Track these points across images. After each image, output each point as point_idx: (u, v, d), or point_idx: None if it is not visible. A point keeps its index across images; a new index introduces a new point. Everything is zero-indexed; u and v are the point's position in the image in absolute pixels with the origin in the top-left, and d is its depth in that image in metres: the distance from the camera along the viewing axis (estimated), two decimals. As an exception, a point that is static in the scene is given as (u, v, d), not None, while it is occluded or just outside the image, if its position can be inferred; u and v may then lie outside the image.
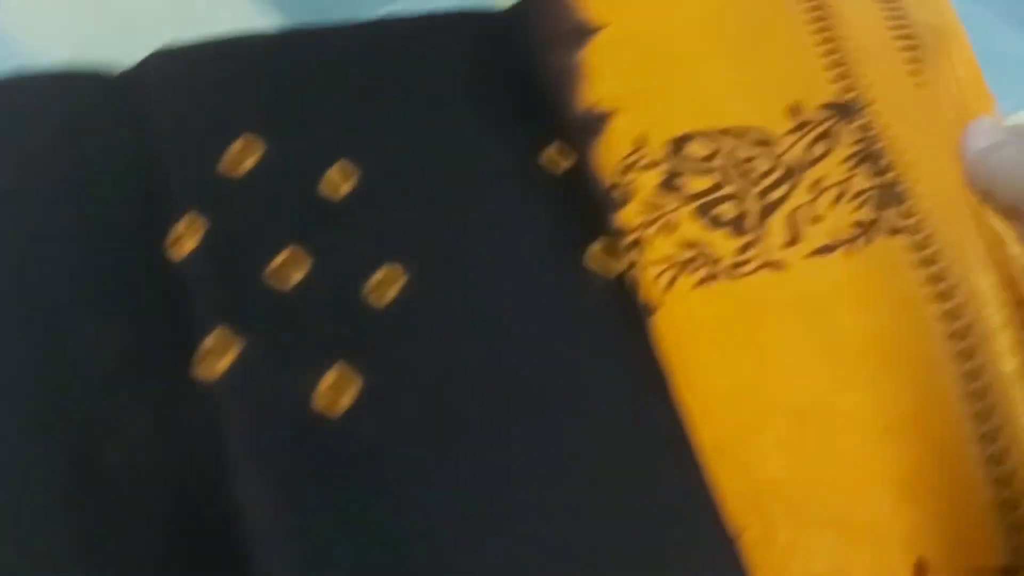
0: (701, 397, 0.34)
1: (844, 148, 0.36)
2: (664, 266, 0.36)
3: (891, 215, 0.34)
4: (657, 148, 0.37)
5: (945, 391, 0.31)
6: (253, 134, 0.37)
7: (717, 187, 0.36)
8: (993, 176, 0.30)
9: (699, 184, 0.36)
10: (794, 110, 0.37)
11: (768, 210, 0.36)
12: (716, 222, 0.36)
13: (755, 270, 0.34)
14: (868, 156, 0.35)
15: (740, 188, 0.36)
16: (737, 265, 0.35)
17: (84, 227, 0.35)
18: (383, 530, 0.31)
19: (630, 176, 0.37)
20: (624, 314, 0.37)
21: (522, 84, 0.42)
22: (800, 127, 0.37)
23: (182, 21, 0.41)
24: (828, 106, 0.37)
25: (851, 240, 0.34)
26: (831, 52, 0.38)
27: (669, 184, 0.37)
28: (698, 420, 0.34)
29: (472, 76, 0.41)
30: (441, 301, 0.36)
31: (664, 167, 0.37)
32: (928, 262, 0.33)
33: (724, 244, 0.35)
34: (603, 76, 0.39)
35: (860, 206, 0.35)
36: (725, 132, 0.37)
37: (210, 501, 0.31)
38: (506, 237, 0.38)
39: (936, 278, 0.33)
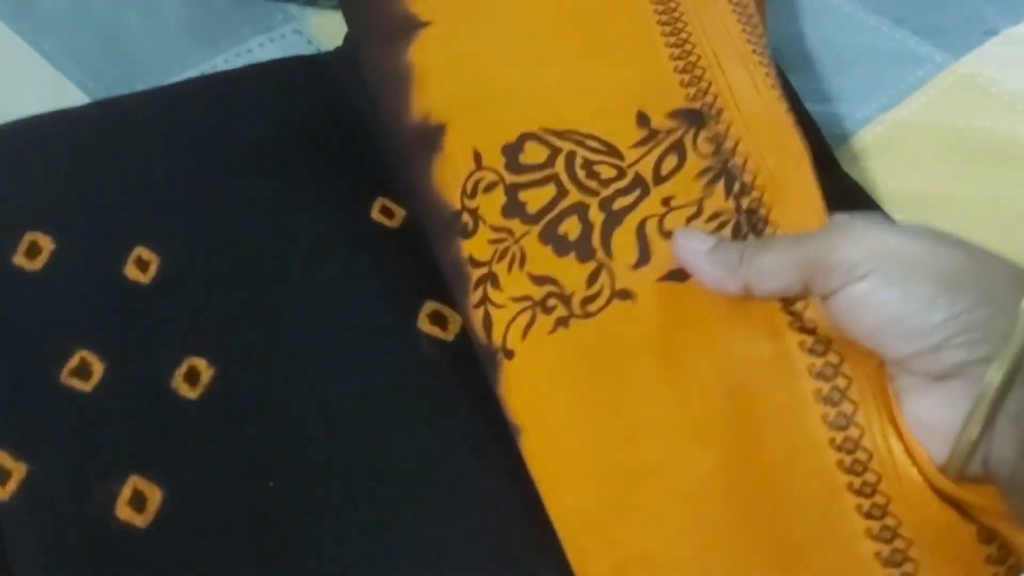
0: (556, 463, 0.31)
1: (696, 163, 0.33)
2: (520, 307, 0.32)
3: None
4: (493, 161, 0.34)
5: (811, 436, 0.28)
6: (40, 231, 0.35)
7: (558, 198, 0.33)
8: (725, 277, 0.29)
9: (539, 198, 0.33)
10: (642, 118, 0.34)
11: (614, 220, 0.32)
12: (562, 245, 0.32)
13: (606, 303, 0.31)
14: (724, 174, 0.32)
15: (582, 197, 0.33)
16: (587, 300, 0.31)
17: None
18: None
19: (476, 200, 0.34)
20: (463, 379, 0.35)
21: (347, 132, 0.40)
22: (648, 138, 0.34)
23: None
24: (678, 113, 0.34)
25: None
26: (683, 56, 0.35)
27: (512, 204, 0.33)
28: (552, 492, 0.31)
29: (289, 132, 0.39)
30: (254, 391, 0.34)
31: (504, 185, 0.34)
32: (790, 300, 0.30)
33: (573, 275, 0.32)
34: (432, 81, 0.37)
35: (717, 229, 0.32)
36: (563, 135, 0.34)
37: None
38: (330, 310, 0.36)
39: (798, 313, 0.29)
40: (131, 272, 0.35)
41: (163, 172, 0.38)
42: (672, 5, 0.37)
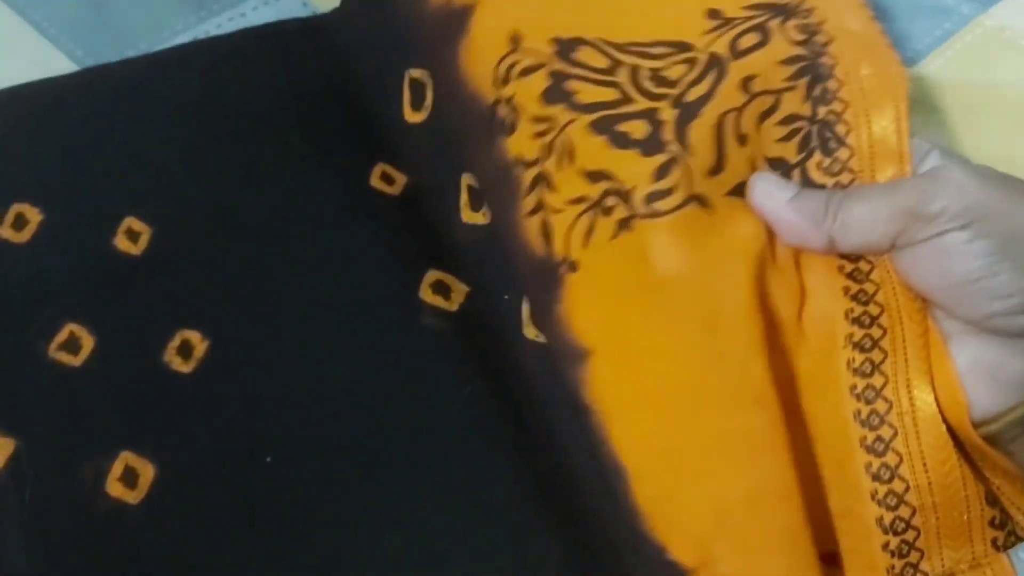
0: (637, 388, 0.28)
1: (782, 46, 0.29)
2: (577, 210, 0.28)
3: (814, 165, 0.28)
4: (538, 44, 0.30)
5: (836, 384, 0.26)
6: (27, 203, 0.34)
7: (620, 103, 0.29)
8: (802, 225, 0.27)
9: (594, 94, 0.29)
10: (713, 13, 0.30)
11: (690, 113, 0.28)
12: (620, 140, 0.28)
13: (681, 204, 0.27)
14: (812, 69, 0.28)
15: (650, 103, 0.29)
16: (655, 196, 0.27)
17: None
18: None
19: (511, 87, 0.30)
20: (467, 351, 0.34)
21: (345, 97, 0.39)
22: (723, 25, 0.30)
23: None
24: (759, 6, 0.30)
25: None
26: None
27: (555, 90, 0.29)
28: (629, 421, 0.28)
29: (284, 97, 0.38)
30: (249, 365, 0.33)
31: (547, 69, 0.29)
32: None
33: (633, 168, 0.27)
34: None
35: (786, 137, 0.28)
36: (625, 47, 0.30)
37: None
38: (331, 278, 0.35)
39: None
40: (121, 243, 0.34)
41: (154, 141, 0.37)
42: None
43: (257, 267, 0.35)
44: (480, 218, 0.35)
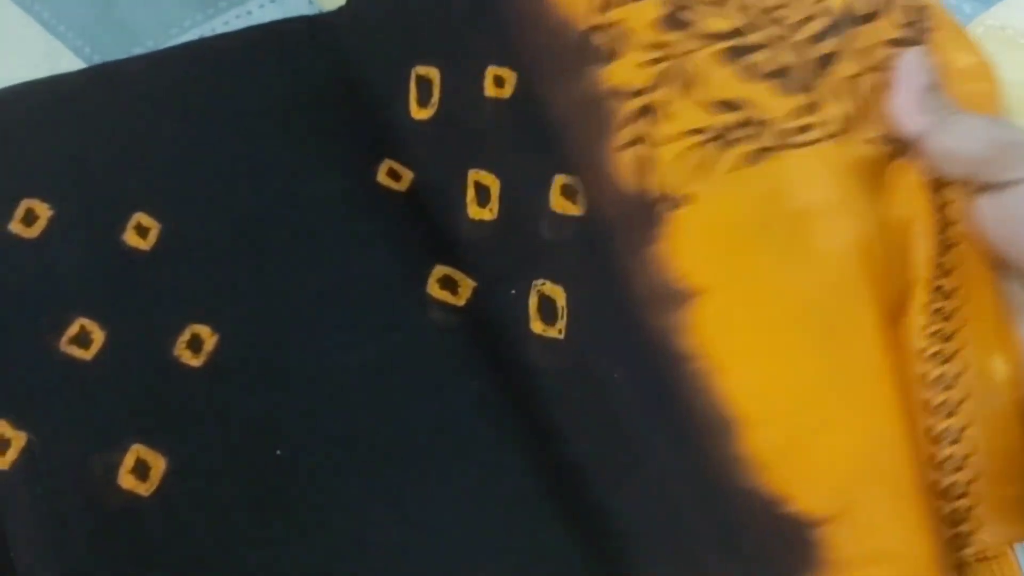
0: (758, 329, 0.27)
1: (891, 24, 0.28)
2: (691, 141, 0.27)
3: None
4: None
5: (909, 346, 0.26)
6: (37, 198, 0.35)
7: (740, 32, 0.28)
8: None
9: (718, 22, 0.28)
10: None
11: (822, 63, 0.27)
12: (754, 72, 0.27)
13: (822, 139, 0.27)
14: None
15: (772, 36, 0.28)
16: (796, 130, 0.27)
17: None
18: None
19: (613, 12, 0.29)
20: (475, 346, 0.34)
21: (351, 94, 0.39)
22: None
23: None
24: None
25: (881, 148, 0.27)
26: None
27: (674, 18, 0.28)
28: (746, 364, 0.27)
29: (291, 95, 0.39)
30: (259, 358, 0.33)
31: None
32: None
33: (771, 102, 0.27)
34: None
35: None
36: None
37: None
38: (338, 273, 0.35)
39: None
40: (131, 238, 0.35)
41: (162, 137, 0.37)
42: None
43: (266, 262, 0.35)
44: (487, 214, 0.35)
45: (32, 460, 0.31)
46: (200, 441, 0.32)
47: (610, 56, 0.28)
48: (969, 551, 0.25)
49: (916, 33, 0.28)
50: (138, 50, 0.40)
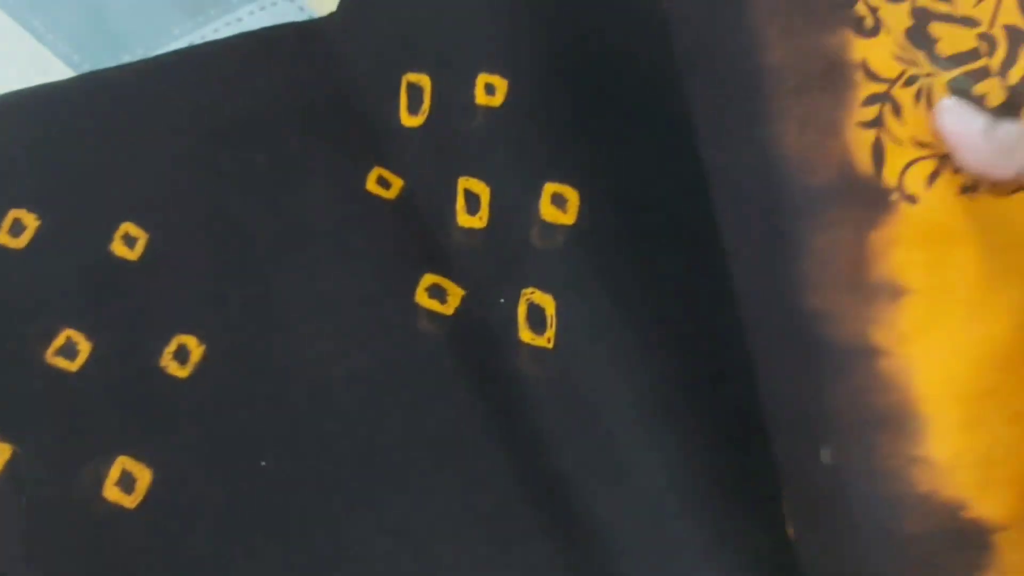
0: (959, 332, 0.27)
1: None
2: (923, 152, 0.27)
3: None
4: None
5: None
6: (24, 208, 0.35)
7: (980, 53, 0.27)
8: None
9: (955, 44, 0.27)
10: None
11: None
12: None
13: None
14: None
15: (1004, 60, 0.27)
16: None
17: None
18: None
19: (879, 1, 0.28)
20: (462, 355, 0.35)
21: (341, 102, 0.40)
22: None
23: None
24: None
25: None
26: None
27: (918, 34, 0.28)
28: (947, 361, 0.27)
29: (280, 102, 0.39)
30: (246, 369, 0.34)
31: (911, 3, 0.27)
32: None
33: None
34: None
35: None
36: None
37: None
38: (326, 282, 0.36)
39: None
40: (118, 248, 0.35)
41: (150, 146, 0.38)
42: None
43: (253, 272, 0.36)
44: (477, 222, 0.36)
45: (17, 472, 0.31)
46: (186, 452, 0.32)
47: (871, 32, 0.27)
48: None
49: None
50: (128, 58, 0.41)
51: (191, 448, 0.32)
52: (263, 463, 0.32)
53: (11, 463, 0.31)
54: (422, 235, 0.37)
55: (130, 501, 0.31)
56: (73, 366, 0.33)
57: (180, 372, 0.33)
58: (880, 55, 0.27)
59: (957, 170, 0.27)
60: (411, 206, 0.37)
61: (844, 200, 0.27)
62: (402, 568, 0.31)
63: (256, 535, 0.31)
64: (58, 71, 0.40)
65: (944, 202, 0.27)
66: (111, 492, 0.31)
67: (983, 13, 0.27)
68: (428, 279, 0.36)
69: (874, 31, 0.28)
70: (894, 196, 0.27)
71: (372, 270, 0.36)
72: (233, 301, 0.35)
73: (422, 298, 0.36)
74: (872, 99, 0.27)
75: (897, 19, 0.28)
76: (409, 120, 0.38)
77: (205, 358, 0.34)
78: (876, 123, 0.27)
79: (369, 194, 0.38)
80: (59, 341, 0.33)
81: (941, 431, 0.26)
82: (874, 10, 0.28)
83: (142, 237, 0.36)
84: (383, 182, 0.38)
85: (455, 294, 0.36)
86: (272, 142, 0.38)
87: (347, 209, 0.37)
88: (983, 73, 0.27)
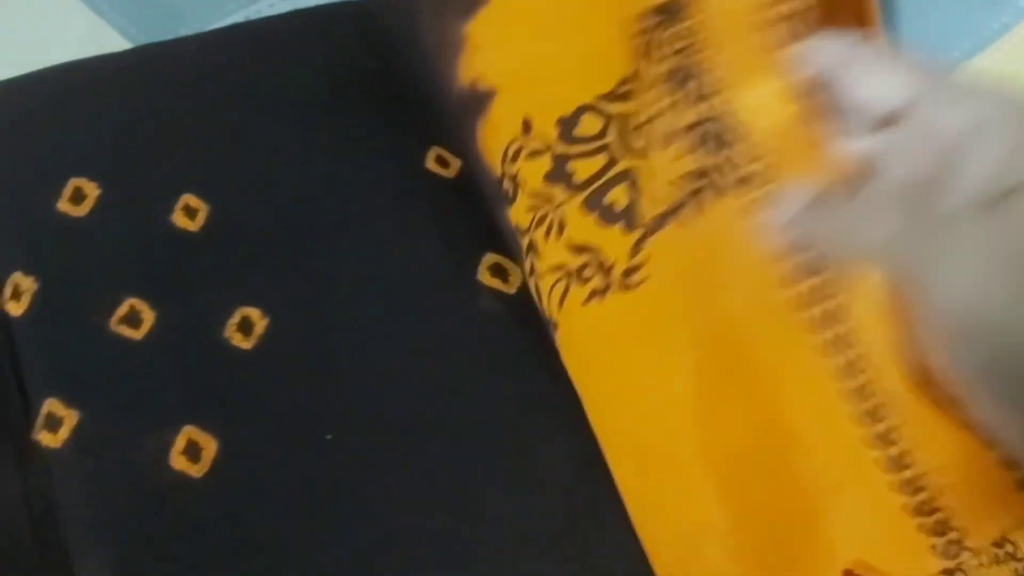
0: (609, 431, 0.32)
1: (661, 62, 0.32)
2: (556, 276, 0.33)
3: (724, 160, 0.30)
4: (545, 130, 0.35)
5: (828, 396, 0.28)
6: (85, 177, 0.36)
7: (608, 166, 0.33)
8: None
9: (589, 168, 0.33)
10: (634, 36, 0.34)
11: (658, 142, 0.32)
12: (608, 214, 0.33)
13: (647, 278, 0.31)
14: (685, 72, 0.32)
15: (633, 162, 0.32)
16: (629, 272, 0.32)
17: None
18: None
19: (516, 165, 0.35)
20: (525, 334, 0.35)
21: (397, 79, 0.40)
22: (644, 48, 0.33)
23: (17, 49, 0.40)
24: (650, 11, 0.33)
25: (677, 207, 0.31)
26: None
27: (558, 172, 0.34)
28: (611, 458, 0.32)
29: (337, 79, 0.40)
30: (310, 342, 0.34)
31: (551, 153, 0.34)
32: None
33: (617, 244, 0.32)
34: (483, 49, 0.37)
35: (689, 150, 0.31)
36: (607, 97, 0.34)
37: None
38: (388, 259, 0.36)
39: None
40: (179, 219, 0.36)
41: (209, 120, 0.38)
42: None
43: (315, 246, 0.36)
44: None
45: (83, 438, 0.32)
46: (251, 424, 0.33)
47: (511, 199, 0.35)
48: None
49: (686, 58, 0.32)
50: (183, 31, 0.41)
51: (256, 420, 0.33)
52: (328, 436, 0.33)
53: (77, 429, 0.32)
54: (483, 214, 0.37)
55: (196, 470, 0.32)
56: (138, 335, 0.34)
57: (244, 344, 0.34)
58: (519, 213, 0.34)
59: (584, 281, 0.32)
60: (471, 185, 0.38)
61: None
62: (463, 547, 0.32)
63: (320, 509, 0.32)
64: (115, 44, 0.41)
65: (573, 318, 0.32)
66: (178, 461, 0.32)
67: (612, 136, 0.33)
68: (490, 258, 0.36)
69: (514, 198, 0.34)
70: (551, 327, 0.34)
71: (434, 248, 0.37)
72: (295, 275, 0.35)
73: (485, 276, 0.36)
74: (527, 251, 0.34)
75: (535, 170, 0.34)
76: None
77: (268, 331, 0.34)
78: (531, 271, 0.34)
79: (429, 172, 0.38)
80: (123, 310, 0.34)
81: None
82: (513, 177, 0.34)
83: (203, 209, 0.36)
84: (442, 161, 0.39)
85: (516, 275, 0.36)
86: (330, 118, 0.39)
87: (407, 186, 0.38)
88: (618, 180, 0.33)
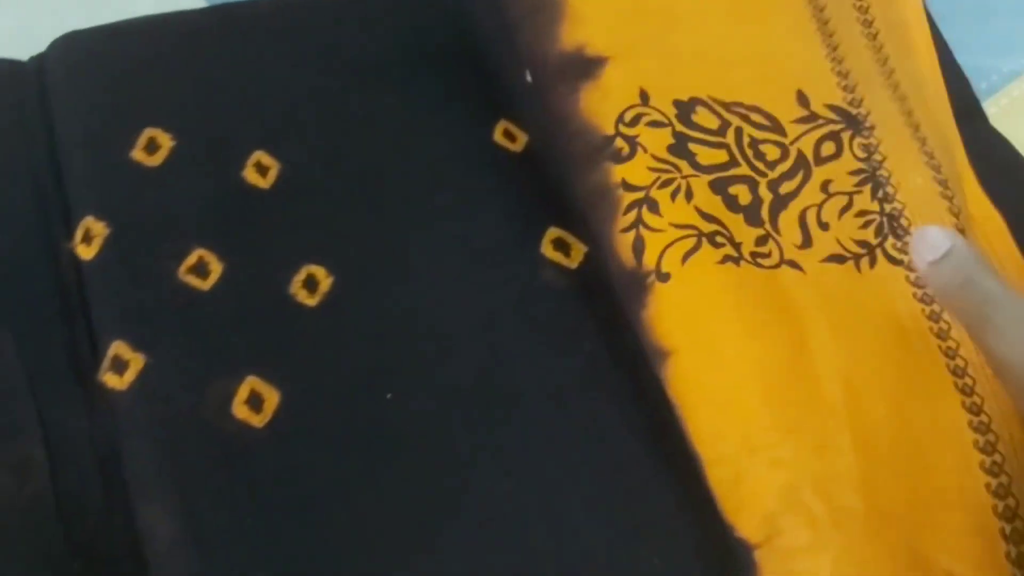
0: (716, 386, 0.32)
1: (850, 160, 0.37)
2: (682, 234, 0.34)
3: (890, 246, 0.35)
4: (663, 107, 0.36)
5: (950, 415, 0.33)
6: (160, 128, 0.37)
7: (730, 164, 0.36)
8: (943, 290, 0.32)
9: (711, 156, 0.36)
10: (802, 98, 0.38)
11: (780, 204, 0.36)
12: (733, 204, 0.35)
13: (777, 264, 0.34)
14: (872, 179, 0.36)
15: (752, 173, 0.36)
16: (757, 255, 0.34)
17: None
18: (299, 554, 0.30)
19: (636, 130, 0.36)
20: (588, 308, 0.35)
21: (467, 51, 0.41)
22: (809, 119, 0.37)
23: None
24: (835, 109, 0.38)
25: (856, 257, 0.35)
26: (837, 60, 0.39)
27: (680, 148, 0.36)
28: (705, 414, 0.32)
29: (408, 48, 0.40)
30: (373, 304, 0.35)
31: (672, 129, 0.36)
32: (927, 299, 0.34)
33: (743, 231, 0.35)
34: (590, 18, 0.38)
35: (864, 226, 0.36)
36: (729, 107, 0.37)
37: (107, 526, 0.30)
38: (452, 227, 0.37)
39: (934, 315, 0.34)
40: (250, 175, 0.37)
41: (282, 81, 0.39)
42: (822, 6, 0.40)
43: (382, 210, 0.37)
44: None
45: (148, 382, 0.32)
46: (313, 379, 0.33)
47: (626, 159, 0.35)
48: None
49: (871, 166, 0.37)
50: (256, -5, 0.42)
51: (319, 375, 0.33)
52: (388, 396, 0.33)
53: (143, 373, 0.32)
54: (547, 189, 0.38)
55: (258, 420, 0.32)
56: (205, 285, 0.34)
57: (309, 300, 0.34)
58: (636, 171, 0.35)
59: (717, 245, 0.34)
60: (537, 160, 0.38)
61: (623, 292, 0.34)
62: (526, 511, 0.32)
63: (381, 466, 0.32)
64: (192, 2, 0.41)
65: (700, 273, 0.33)
66: (240, 410, 0.32)
67: (730, 139, 0.36)
68: (553, 232, 0.37)
69: (630, 156, 0.35)
70: (650, 278, 0.34)
71: (498, 219, 0.37)
72: (361, 237, 0.36)
73: (547, 250, 0.36)
74: (632, 205, 0.35)
75: (657, 139, 0.36)
76: (530, 76, 0.39)
77: (333, 290, 0.35)
78: (635, 224, 0.35)
79: (496, 145, 0.39)
80: (191, 260, 0.34)
81: (710, 467, 0.32)
82: (632, 138, 0.36)
83: (274, 167, 0.37)
84: (509, 135, 0.39)
85: (578, 250, 0.37)
86: (400, 86, 0.39)
87: (474, 158, 0.38)
88: (739, 180, 0.35)
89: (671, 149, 0.35)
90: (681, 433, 0.33)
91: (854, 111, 0.38)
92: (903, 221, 0.36)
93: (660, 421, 0.33)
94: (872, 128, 0.38)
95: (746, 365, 0.32)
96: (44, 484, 0.30)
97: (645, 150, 0.35)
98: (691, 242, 0.34)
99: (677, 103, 0.37)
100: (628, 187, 0.35)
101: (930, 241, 0.31)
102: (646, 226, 0.34)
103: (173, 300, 0.34)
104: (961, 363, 0.33)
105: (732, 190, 0.35)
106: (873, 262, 0.35)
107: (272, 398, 0.33)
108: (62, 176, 0.36)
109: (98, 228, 0.35)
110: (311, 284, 0.35)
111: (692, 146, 0.36)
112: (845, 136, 0.37)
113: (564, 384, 0.34)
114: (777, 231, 0.35)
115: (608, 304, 0.35)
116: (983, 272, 0.30)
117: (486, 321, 0.35)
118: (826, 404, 0.32)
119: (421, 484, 0.32)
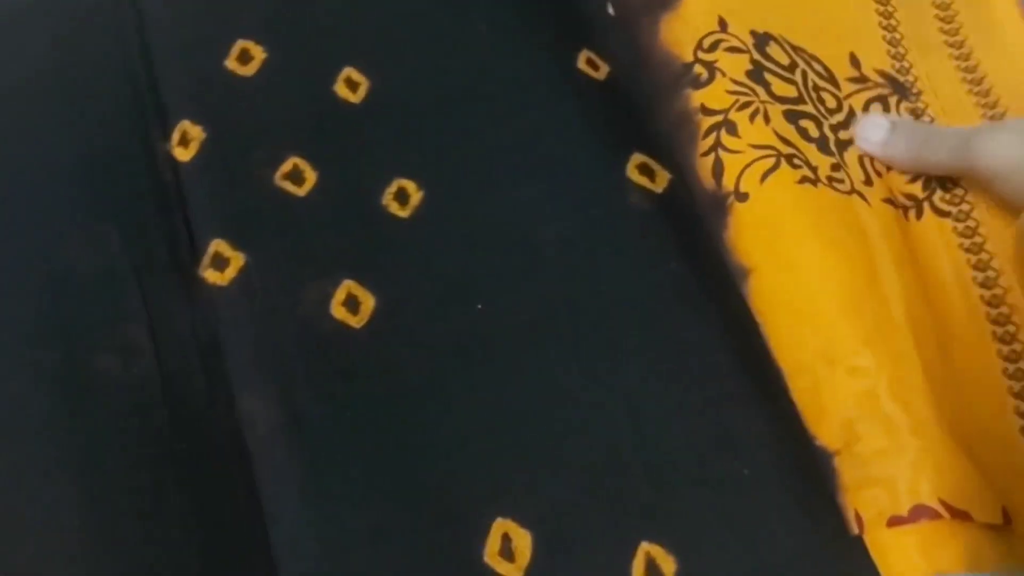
0: (795, 299, 0.34)
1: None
2: (760, 154, 0.35)
3: (939, 199, 0.37)
4: (741, 35, 0.38)
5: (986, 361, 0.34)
6: (252, 40, 0.37)
7: (799, 100, 0.37)
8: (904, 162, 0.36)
9: (783, 89, 0.37)
10: (853, 59, 0.39)
11: (842, 146, 0.37)
12: (805, 135, 0.36)
13: (850, 192, 0.36)
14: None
15: (817, 112, 0.37)
16: (832, 180, 0.35)
17: (79, 129, 0.36)
18: (393, 448, 0.31)
19: (715, 55, 0.37)
20: (674, 230, 0.36)
21: None
22: (859, 79, 0.39)
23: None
24: (884, 74, 0.39)
25: (905, 207, 0.37)
26: (890, 28, 0.41)
27: (757, 75, 0.37)
28: (785, 326, 0.34)
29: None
30: (463, 218, 0.35)
31: (750, 56, 0.37)
32: (975, 249, 0.36)
33: (818, 157, 0.36)
34: None
35: (912, 180, 0.37)
36: (797, 50, 0.38)
37: (210, 412, 0.31)
38: (540, 147, 0.37)
39: (982, 265, 0.35)
40: (341, 90, 0.37)
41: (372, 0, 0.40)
42: None
43: (469, 130, 0.37)
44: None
45: (248, 280, 0.33)
46: (407, 286, 0.34)
47: (705, 83, 0.37)
48: None
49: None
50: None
51: (412, 283, 0.34)
52: (479, 306, 0.34)
53: (243, 271, 0.33)
54: (631, 115, 0.38)
55: (356, 321, 0.33)
56: (301, 191, 0.35)
57: (401, 212, 0.35)
58: (714, 95, 0.37)
59: (795, 166, 0.35)
60: (620, 88, 0.39)
61: (706, 216, 0.36)
62: (611, 418, 0.33)
63: (473, 370, 0.33)
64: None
65: (778, 192, 0.35)
66: (338, 311, 0.33)
67: (798, 78, 0.38)
68: (637, 158, 0.38)
69: (709, 81, 0.37)
70: (730, 199, 0.35)
71: (584, 142, 0.38)
72: (451, 153, 0.37)
73: (633, 174, 0.37)
74: (711, 129, 0.36)
75: (736, 64, 0.37)
76: (614, 10, 0.40)
77: (424, 203, 0.36)
78: (714, 148, 0.36)
79: (580, 71, 0.40)
80: (286, 167, 0.35)
81: (791, 377, 0.34)
82: (710, 64, 0.37)
83: (364, 83, 0.37)
84: (592, 63, 0.40)
85: (663, 175, 0.37)
86: (490, 11, 0.40)
87: (559, 83, 0.39)
88: (806, 116, 0.37)
89: (749, 75, 0.37)
90: (764, 348, 0.34)
91: (902, 78, 0.40)
92: (949, 183, 0.37)
93: (744, 336, 0.34)
94: (919, 94, 0.39)
95: (824, 279, 0.34)
96: (150, 367, 0.31)
97: (724, 74, 0.37)
98: (770, 162, 0.35)
99: (754, 33, 0.38)
100: (707, 111, 0.37)
101: (872, 121, 0.36)
102: (724, 148, 0.36)
103: (270, 203, 0.34)
104: (1006, 311, 0.35)
105: (803, 123, 0.37)
106: (920, 214, 0.37)
107: (368, 302, 0.33)
108: (157, 83, 0.36)
109: (195, 132, 0.35)
110: (402, 197, 0.36)
111: (767, 75, 0.37)
112: (892, 100, 0.39)
113: (650, 298, 0.35)
114: (846, 164, 0.37)
115: (694, 229, 0.36)
116: (935, 131, 0.34)
117: (573, 238, 0.36)
118: (896, 322, 0.33)
119: (511, 389, 0.33)
